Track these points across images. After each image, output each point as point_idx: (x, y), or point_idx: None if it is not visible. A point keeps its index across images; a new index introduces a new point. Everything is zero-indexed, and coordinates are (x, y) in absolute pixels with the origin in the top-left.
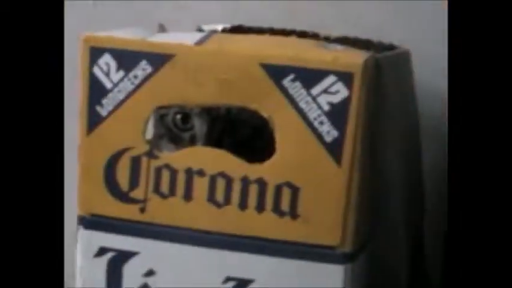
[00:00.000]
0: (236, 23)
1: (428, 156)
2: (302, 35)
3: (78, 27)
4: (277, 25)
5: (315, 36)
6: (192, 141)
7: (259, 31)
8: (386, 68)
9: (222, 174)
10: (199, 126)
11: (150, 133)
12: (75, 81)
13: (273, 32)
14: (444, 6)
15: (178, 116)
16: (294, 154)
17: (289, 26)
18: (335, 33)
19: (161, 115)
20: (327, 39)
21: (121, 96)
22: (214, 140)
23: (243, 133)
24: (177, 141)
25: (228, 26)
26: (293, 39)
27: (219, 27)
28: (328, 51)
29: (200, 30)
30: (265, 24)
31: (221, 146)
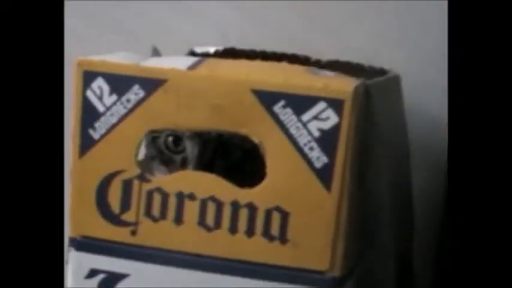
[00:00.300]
0: (227, 45)
1: (418, 179)
2: (293, 58)
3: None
4: (268, 47)
5: (306, 60)
6: (184, 164)
7: (251, 54)
8: (376, 94)
9: (213, 198)
10: (190, 148)
11: (141, 154)
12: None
13: (264, 55)
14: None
15: (170, 139)
16: (284, 179)
17: (280, 49)
18: (326, 56)
19: (153, 137)
20: (318, 63)
21: (113, 120)
22: (205, 162)
23: (234, 156)
24: (169, 164)
25: (220, 48)
26: (284, 65)
27: (212, 50)
28: (318, 78)
29: (192, 52)
30: (256, 47)
31: (212, 168)
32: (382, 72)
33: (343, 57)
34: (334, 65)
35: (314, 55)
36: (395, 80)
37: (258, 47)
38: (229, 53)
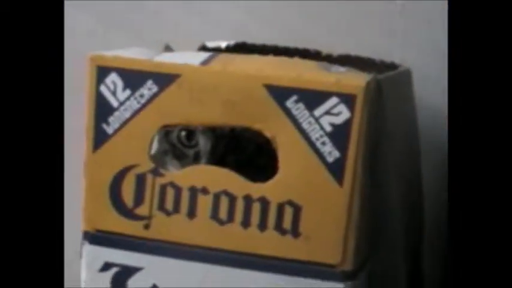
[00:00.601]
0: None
1: (428, 175)
2: (304, 53)
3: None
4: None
5: (317, 54)
6: (196, 158)
7: (263, 49)
8: (388, 88)
9: (226, 193)
10: (203, 143)
11: (154, 149)
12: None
13: (276, 50)
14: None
15: (183, 133)
16: (297, 174)
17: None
18: (336, 51)
19: (166, 131)
20: (329, 57)
21: (127, 115)
22: (218, 157)
23: (247, 151)
24: (181, 158)
25: (231, 43)
26: (296, 60)
27: (223, 44)
28: (330, 73)
29: (204, 47)
30: (267, 41)
31: (225, 163)
32: (393, 66)
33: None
34: (345, 60)
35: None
36: (406, 75)
37: (268, 42)
38: (241, 48)
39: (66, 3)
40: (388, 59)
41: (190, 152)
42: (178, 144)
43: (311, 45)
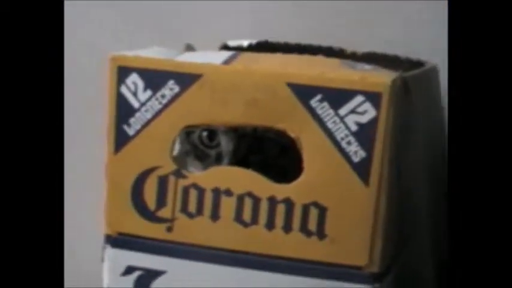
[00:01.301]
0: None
1: None
2: (328, 51)
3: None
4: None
5: (341, 52)
6: (218, 159)
7: (286, 47)
8: (414, 86)
9: (250, 194)
10: (225, 143)
11: (175, 150)
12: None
13: (299, 48)
14: None
15: (205, 133)
16: (322, 174)
17: (313, 41)
18: (361, 48)
19: (187, 132)
20: (354, 55)
21: (148, 116)
22: (240, 157)
23: (269, 151)
24: (203, 159)
25: (253, 41)
26: (320, 59)
27: (245, 43)
28: (355, 71)
29: (226, 46)
30: (289, 39)
31: (247, 163)
32: (419, 64)
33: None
34: (370, 58)
35: (348, 47)
36: (433, 72)
37: (290, 40)
38: (263, 46)
39: (89, 2)
40: (414, 55)
41: (212, 153)
42: (199, 145)
43: (334, 43)
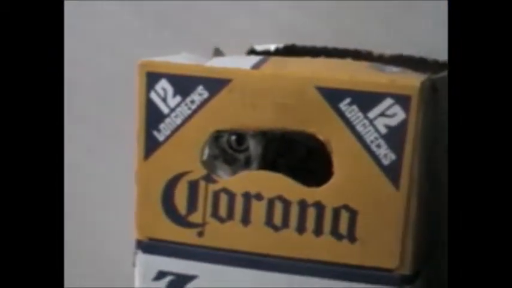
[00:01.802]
0: (287, 40)
1: None
2: (356, 54)
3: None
4: (326, 42)
5: (368, 55)
6: (247, 163)
7: (313, 50)
8: (442, 88)
9: (280, 198)
10: (254, 147)
11: (204, 154)
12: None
13: (326, 51)
14: None
15: (233, 137)
16: (352, 177)
17: (338, 44)
18: (387, 51)
19: (216, 136)
20: (381, 58)
21: (178, 121)
22: (269, 161)
23: (298, 154)
24: (232, 163)
25: (280, 45)
26: (349, 62)
27: (272, 47)
28: (384, 74)
29: (253, 50)
30: (315, 42)
31: (276, 167)
32: (446, 65)
33: (402, 51)
34: (397, 60)
35: (373, 49)
36: None
37: (316, 42)
38: (290, 50)
39: (115, 3)
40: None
41: (241, 157)
42: (228, 149)
43: (362, 45)
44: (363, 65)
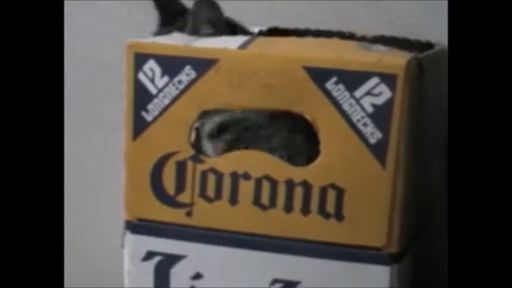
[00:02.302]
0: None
1: None
2: (339, 35)
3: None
4: (313, 23)
5: (351, 36)
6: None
7: (296, 33)
8: (427, 67)
9: (267, 177)
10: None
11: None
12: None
13: (310, 33)
14: None
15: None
16: (338, 156)
17: (321, 26)
18: (369, 32)
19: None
20: (364, 39)
21: (166, 101)
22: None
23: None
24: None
25: (264, 28)
26: (335, 41)
27: (255, 30)
28: (371, 53)
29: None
30: (301, 24)
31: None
32: (429, 45)
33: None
34: (380, 41)
35: (359, 31)
36: (444, 54)
37: (302, 23)
38: (274, 33)
39: None
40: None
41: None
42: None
43: (348, 22)
44: (349, 44)
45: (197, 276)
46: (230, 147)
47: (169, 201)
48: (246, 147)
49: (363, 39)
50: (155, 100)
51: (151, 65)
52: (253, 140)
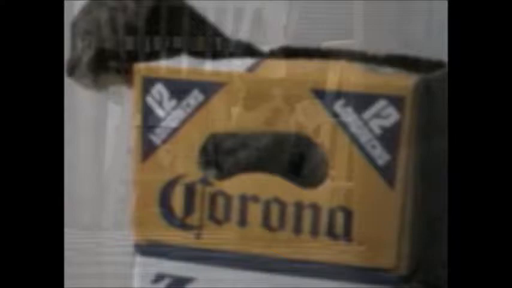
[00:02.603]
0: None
1: None
2: (350, 54)
3: None
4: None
5: (362, 55)
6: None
7: (306, 52)
8: (436, 88)
9: (276, 200)
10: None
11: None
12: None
13: (320, 53)
14: None
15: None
16: (347, 178)
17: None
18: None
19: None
20: (375, 58)
21: (174, 125)
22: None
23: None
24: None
25: (275, 47)
26: (343, 64)
27: (266, 48)
28: (378, 75)
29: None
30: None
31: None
32: (440, 64)
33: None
34: (391, 60)
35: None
36: None
37: (312, 41)
38: (284, 51)
39: None
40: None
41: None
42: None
43: (357, 44)
44: (356, 66)
45: None
46: (239, 169)
47: (178, 223)
48: (255, 169)
49: (374, 58)
50: (163, 123)
51: (159, 88)
52: (262, 162)
